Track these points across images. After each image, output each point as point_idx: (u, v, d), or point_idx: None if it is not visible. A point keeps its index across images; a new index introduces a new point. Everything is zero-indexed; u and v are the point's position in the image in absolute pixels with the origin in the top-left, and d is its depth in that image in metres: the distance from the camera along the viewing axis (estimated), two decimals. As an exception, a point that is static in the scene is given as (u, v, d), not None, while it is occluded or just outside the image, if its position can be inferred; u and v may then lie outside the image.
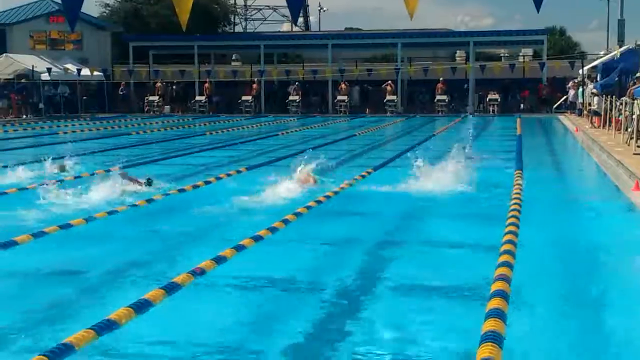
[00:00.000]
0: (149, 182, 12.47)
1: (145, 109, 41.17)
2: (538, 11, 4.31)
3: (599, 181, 13.93)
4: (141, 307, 5.77)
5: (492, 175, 14.17)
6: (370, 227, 9.76)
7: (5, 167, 14.69)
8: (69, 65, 39.68)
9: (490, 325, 5.16)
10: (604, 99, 24.21)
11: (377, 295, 6.65)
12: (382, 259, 8.05)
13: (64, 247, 8.39)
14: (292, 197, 11.33)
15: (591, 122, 26.42)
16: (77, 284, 6.97)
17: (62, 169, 14.56)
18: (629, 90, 20.82)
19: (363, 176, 13.80)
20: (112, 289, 6.87)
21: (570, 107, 34.75)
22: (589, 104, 28.27)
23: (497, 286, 6.11)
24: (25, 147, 21.03)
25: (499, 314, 5.37)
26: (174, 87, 41.79)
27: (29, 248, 8.13)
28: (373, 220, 10.24)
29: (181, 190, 12.08)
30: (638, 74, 21.51)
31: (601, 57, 34.47)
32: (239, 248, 7.76)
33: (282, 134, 26.87)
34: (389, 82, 39.03)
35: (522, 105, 38.43)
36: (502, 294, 5.87)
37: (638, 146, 16.39)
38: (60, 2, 4.96)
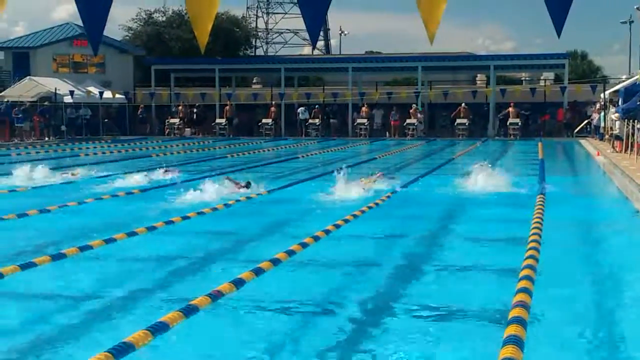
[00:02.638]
0: (248, 185, 14.83)
1: (166, 132, 41.42)
2: (559, 36, 4.25)
3: (620, 206, 13.76)
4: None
5: (514, 199, 14.18)
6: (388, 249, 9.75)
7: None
8: (91, 88, 40.05)
9: (508, 352, 5.10)
10: (625, 123, 24.02)
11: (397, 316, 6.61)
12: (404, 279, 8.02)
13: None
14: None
15: (613, 147, 26.21)
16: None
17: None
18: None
19: (388, 196, 13.85)
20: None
21: (594, 131, 34.48)
22: (611, 128, 28.07)
23: (515, 312, 6.03)
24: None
25: (516, 341, 5.30)
26: (195, 109, 42.00)
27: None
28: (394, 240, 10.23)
29: (200, 213, 12.17)
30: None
31: (623, 81, 34.26)
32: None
33: (302, 156, 26.93)
34: (414, 105, 39.03)
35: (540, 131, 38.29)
36: (520, 321, 5.79)
37: (660, 171, 16.20)
38: (83, 26, 5.08)
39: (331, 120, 40.96)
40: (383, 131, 39.95)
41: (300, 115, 40.42)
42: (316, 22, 4.72)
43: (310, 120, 39.95)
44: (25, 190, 15.62)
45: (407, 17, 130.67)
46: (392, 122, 39.61)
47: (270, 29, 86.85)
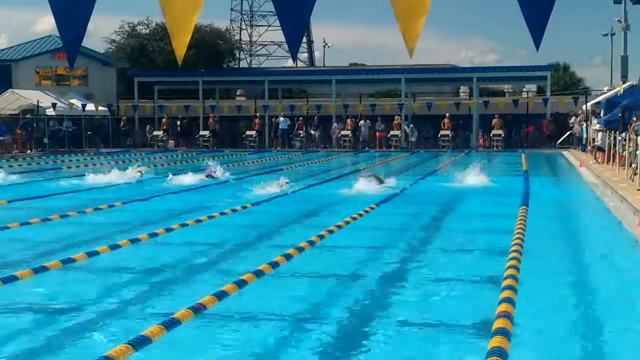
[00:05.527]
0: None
1: (149, 144, 41.26)
2: (538, 49, 4.27)
3: (602, 217, 13.81)
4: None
5: (497, 209, 14.24)
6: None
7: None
8: (73, 101, 39.86)
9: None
10: (607, 134, 24.16)
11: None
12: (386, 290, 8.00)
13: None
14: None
15: (595, 158, 26.34)
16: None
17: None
18: (632, 126, 20.78)
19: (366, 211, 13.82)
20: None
21: (577, 142, 34.64)
22: (593, 140, 28.21)
23: (498, 323, 6.01)
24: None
25: (500, 353, 5.28)
26: (179, 122, 41.86)
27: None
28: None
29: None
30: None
31: (605, 92, 34.44)
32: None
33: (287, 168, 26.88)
34: (398, 117, 39.16)
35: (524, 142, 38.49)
36: (503, 332, 5.77)
37: (642, 182, 16.29)
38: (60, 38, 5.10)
39: (313, 133, 40.61)
40: (369, 143, 39.91)
41: (280, 124, 40.15)
42: (296, 35, 4.70)
43: (294, 132, 39.91)
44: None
45: (391, 29, 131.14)
46: (377, 134, 39.65)
47: (254, 42, 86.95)
